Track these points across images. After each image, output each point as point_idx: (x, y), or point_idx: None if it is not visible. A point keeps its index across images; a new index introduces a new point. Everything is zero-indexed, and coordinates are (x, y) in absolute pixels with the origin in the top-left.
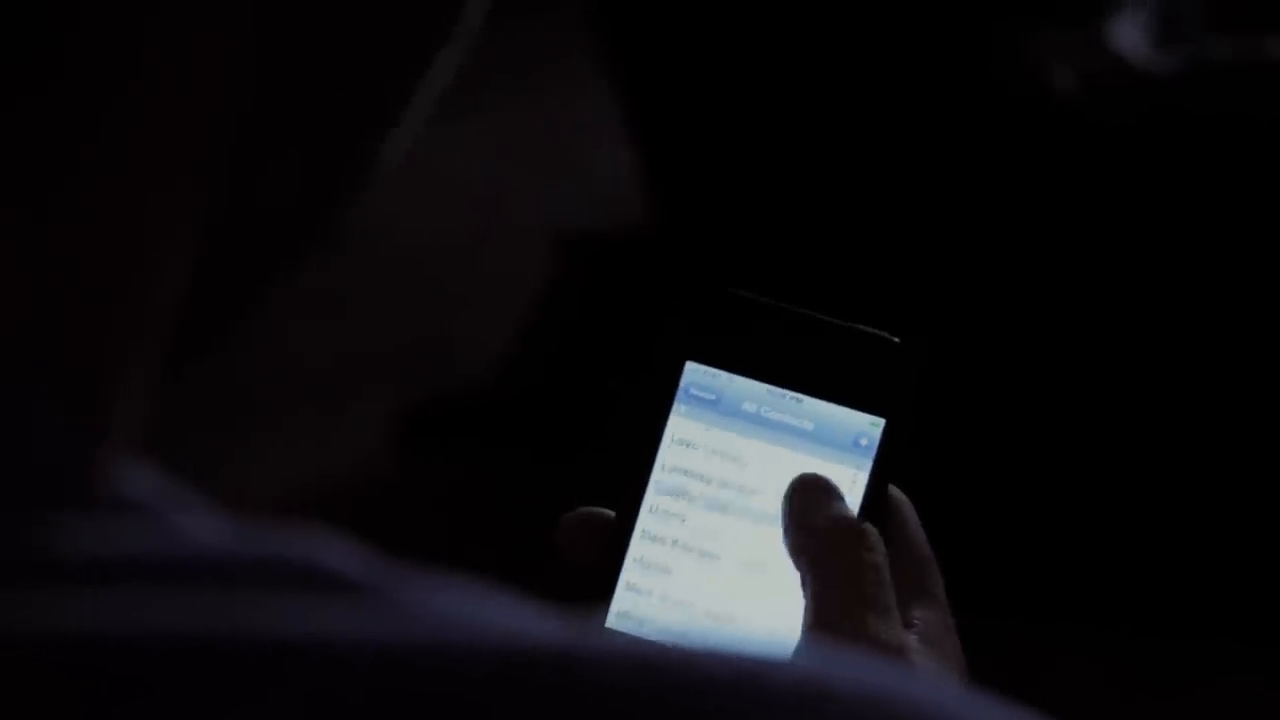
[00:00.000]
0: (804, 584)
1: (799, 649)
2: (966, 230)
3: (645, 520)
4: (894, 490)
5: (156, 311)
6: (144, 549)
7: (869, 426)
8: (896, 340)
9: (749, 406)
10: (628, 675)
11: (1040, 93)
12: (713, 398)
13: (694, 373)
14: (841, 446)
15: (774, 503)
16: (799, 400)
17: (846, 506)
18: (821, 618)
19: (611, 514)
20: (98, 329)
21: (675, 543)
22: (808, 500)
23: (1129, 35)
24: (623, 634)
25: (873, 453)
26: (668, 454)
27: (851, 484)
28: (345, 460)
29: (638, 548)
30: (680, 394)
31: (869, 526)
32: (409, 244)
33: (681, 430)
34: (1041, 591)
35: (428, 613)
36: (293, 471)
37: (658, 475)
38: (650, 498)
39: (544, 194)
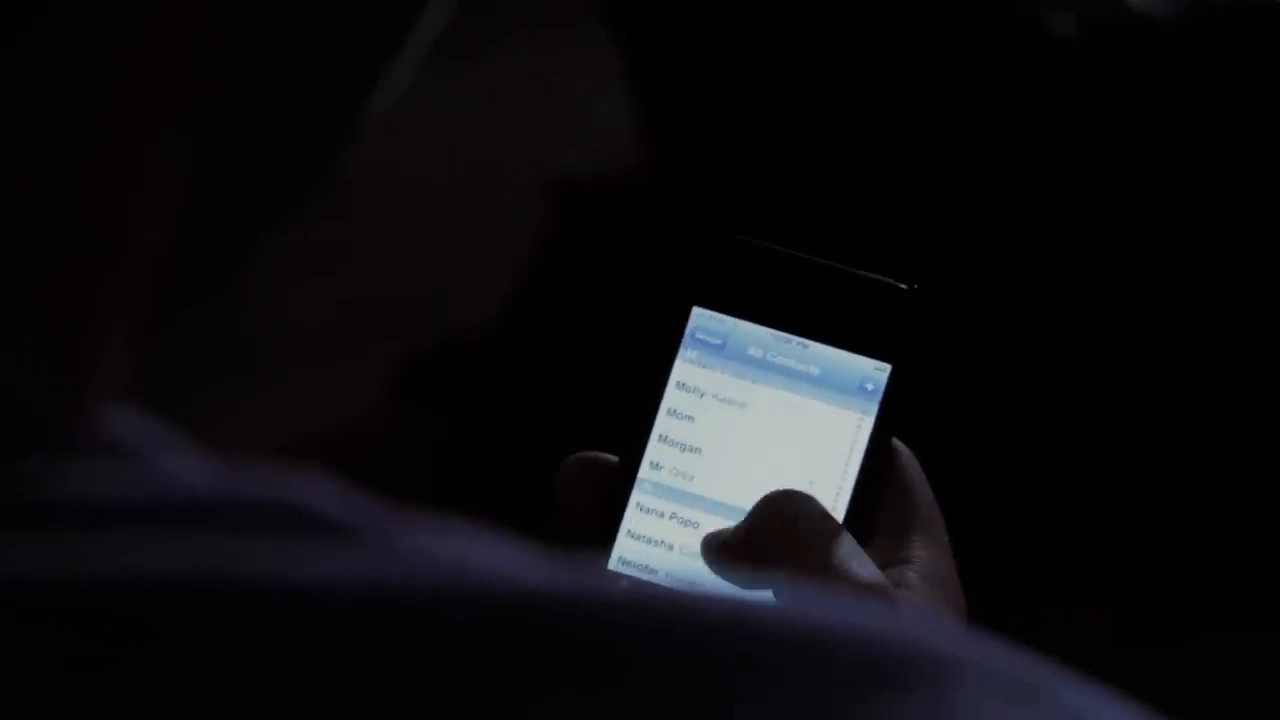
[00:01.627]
0: (767, 581)
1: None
2: (967, 176)
3: (648, 464)
4: (896, 442)
5: (142, 259)
6: (129, 492)
7: (874, 371)
8: (903, 287)
9: (755, 351)
10: (620, 617)
11: (1040, 37)
12: (719, 342)
13: (700, 317)
14: (847, 391)
15: (779, 446)
16: (805, 345)
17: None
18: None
19: (613, 459)
20: (83, 276)
21: (678, 486)
22: (715, 535)
23: None
24: (617, 576)
25: (878, 397)
26: (672, 398)
27: (857, 428)
28: (344, 411)
29: (640, 492)
30: (686, 339)
31: (788, 489)
32: (408, 196)
33: (687, 374)
34: (1041, 537)
35: (416, 554)
36: (292, 423)
37: (662, 419)
38: (654, 441)
39: (542, 144)
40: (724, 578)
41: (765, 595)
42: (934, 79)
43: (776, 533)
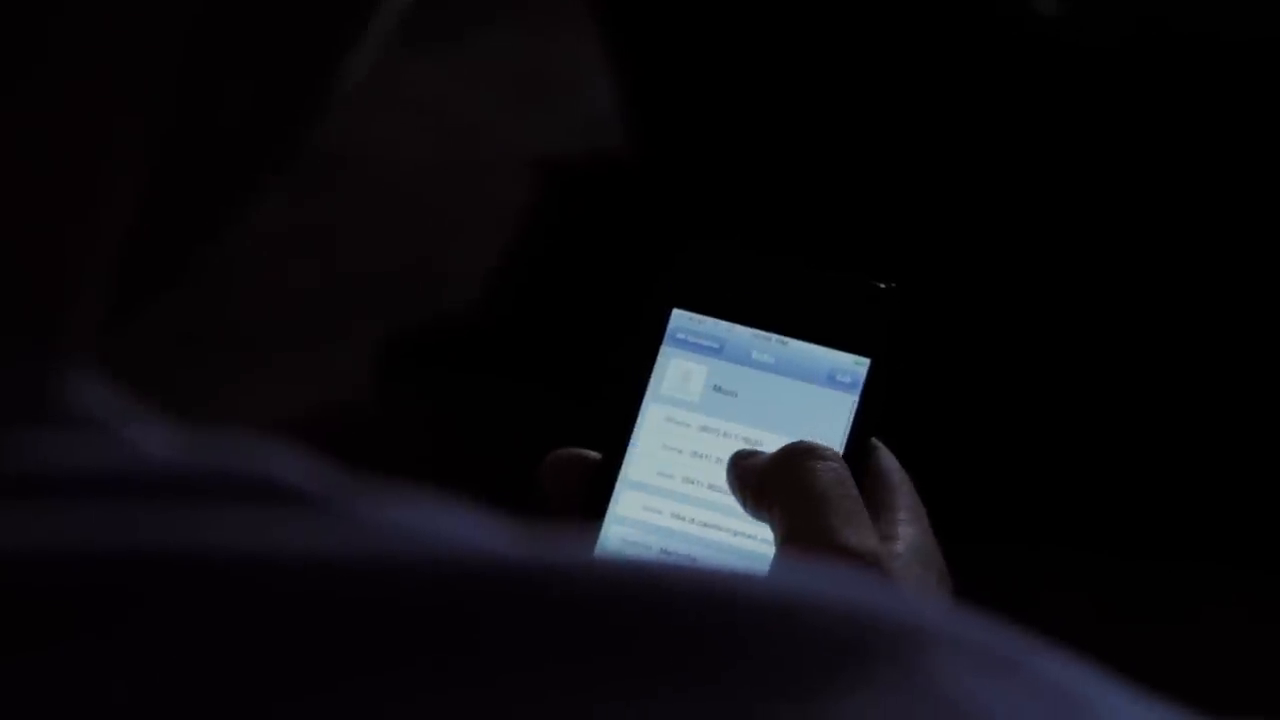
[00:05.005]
0: (770, 522)
1: (771, 567)
2: (948, 156)
3: (632, 461)
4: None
5: (109, 232)
6: (94, 463)
7: (854, 365)
8: (881, 285)
9: (735, 350)
10: (591, 589)
11: (1022, 13)
12: (699, 342)
13: (680, 319)
14: (827, 385)
15: (760, 438)
16: (785, 343)
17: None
18: (789, 534)
19: (595, 456)
20: (49, 247)
21: (663, 483)
22: (745, 458)
23: None
24: (585, 551)
25: (858, 390)
26: (655, 395)
27: (837, 421)
28: (330, 390)
29: (624, 488)
30: (667, 339)
31: (816, 442)
32: (391, 174)
33: (669, 373)
34: (1025, 516)
35: (381, 525)
36: (278, 403)
37: (645, 415)
38: (638, 438)
39: (527, 123)
40: (735, 496)
41: (743, 565)
42: (914, 56)
43: (787, 481)
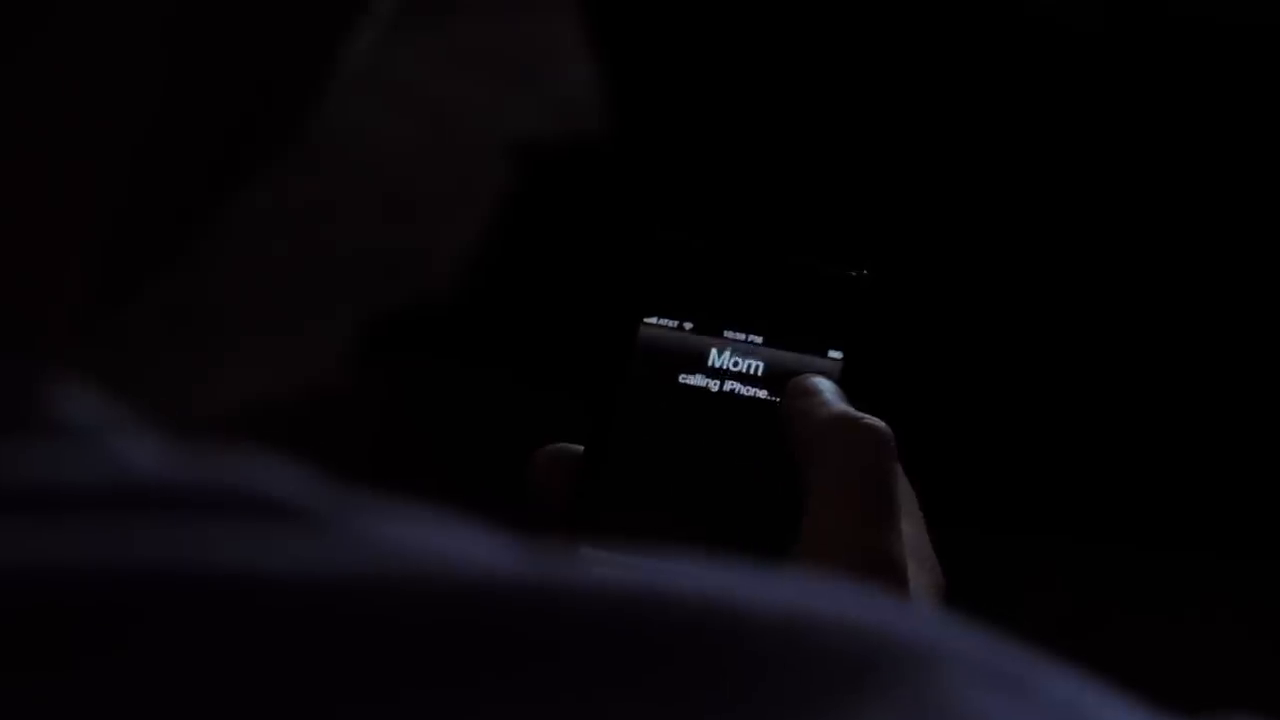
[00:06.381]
0: (804, 487)
1: (787, 564)
2: (933, 140)
3: (614, 466)
4: None
5: (99, 226)
6: (86, 476)
7: (828, 362)
8: (851, 274)
9: (708, 356)
10: (596, 607)
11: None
12: (670, 349)
13: (650, 329)
14: None
15: (740, 446)
16: (756, 342)
17: (848, 404)
18: (816, 526)
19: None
20: (31, 248)
21: (645, 486)
22: (808, 398)
23: None
24: (591, 567)
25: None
26: (629, 409)
27: None
28: (306, 375)
29: (608, 488)
30: (639, 351)
31: (876, 423)
32: (369, 157)
33: (642, 384)
34: (1016, 506)
35: (378, 541)
36: (254, 387)
37: (619, 430)
38: (616, 449)
39: (505, 106)
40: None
41: (745, 583)
42: (902, 43)
43: (827, 455)
